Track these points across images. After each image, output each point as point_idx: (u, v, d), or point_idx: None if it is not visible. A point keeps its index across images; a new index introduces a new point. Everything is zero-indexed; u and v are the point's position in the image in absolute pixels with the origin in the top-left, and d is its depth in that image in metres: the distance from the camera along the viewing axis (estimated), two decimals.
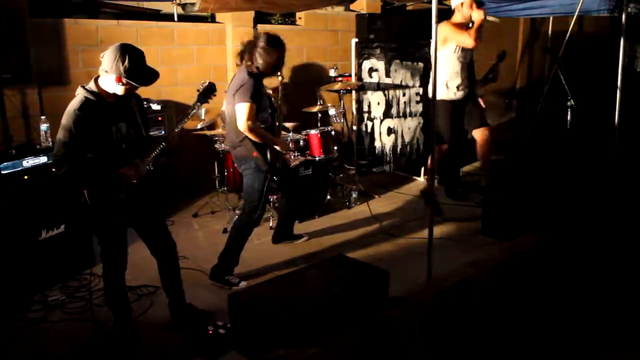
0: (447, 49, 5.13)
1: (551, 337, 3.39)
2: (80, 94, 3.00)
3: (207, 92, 3.38)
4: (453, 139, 5.41)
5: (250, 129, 3.90)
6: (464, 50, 5.23)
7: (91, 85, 3.03)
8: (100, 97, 3.01)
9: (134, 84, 2.96)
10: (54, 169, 2.97)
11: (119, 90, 2.99)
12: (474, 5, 5.05)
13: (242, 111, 3.87)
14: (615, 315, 3.57)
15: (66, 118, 2.94)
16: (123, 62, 2.90)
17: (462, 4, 5.10)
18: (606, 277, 3.86)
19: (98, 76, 3.04)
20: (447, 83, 5.23)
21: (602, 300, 3.68)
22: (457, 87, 5.28)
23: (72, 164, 2.94)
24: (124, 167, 3.05)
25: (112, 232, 3.16)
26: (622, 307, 3.64)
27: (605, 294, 3.73)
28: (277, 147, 4.10)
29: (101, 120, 3.01)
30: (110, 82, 2.97)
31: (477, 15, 4.97)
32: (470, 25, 5.10)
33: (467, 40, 4.98)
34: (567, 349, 3.31)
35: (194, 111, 3.30)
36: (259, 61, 3.90)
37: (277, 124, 4.28)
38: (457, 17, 5.18)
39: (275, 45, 3.93)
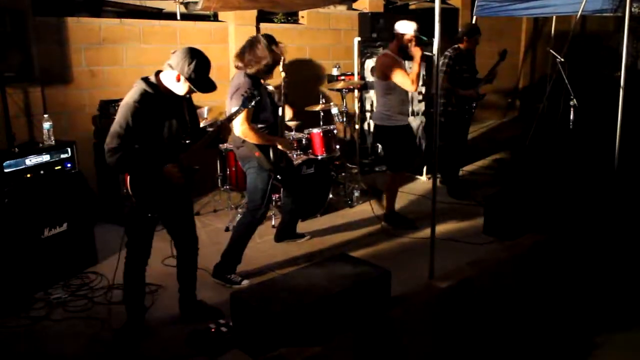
0: (389, 82, 4.83)
1: (551, 336, 3.39)
2: (138, 86, 3.02)
3: (251, 98, 3.49)
4: (409, 164, 5.30)
5: (246, 133, 3.91)
6: None
7: (152, 78, 3.07)
8: (158, 91, 3.05)
9: (193, 87, 3.02)
10: (108, 159, 2.97)
11: (180, 90, 3.05)
12: (413, 42, 4.74)
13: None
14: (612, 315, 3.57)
15: (124, 109, 2.96)
16: (189, 65, 2.97)
17: (403, 35, 4.79)
18: (607, 276, 3.86)
19: (159, 70, 3.09)
20: (391, 112, 4.91)
21: (601, 299, 3.68)
22: (403, 114, 4.96)
23: (124, 154, 2.95)
24: (169, 163, 3.07)
25: (146, 224, 3.20)
26: (621, 308, 3.64)
27: (605, 293, 3.73)
28: (279, 146, 4.10)
29: (157, 114, 3.04)
30: (172, 79, 3.03)
31: (416, 53, 4.73)
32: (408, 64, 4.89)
33: (409, 86, 4.74)
34: (566, 348, 3.31)
35: (238, 114, 3.50)
36: (253, 64, 3.93)
37: (280, 120, 4.27)
38: (394, 46, 4.86)
39: (267, 46, 3.94)
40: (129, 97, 2.99)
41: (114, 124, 2.98)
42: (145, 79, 3.06)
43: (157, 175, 3.06)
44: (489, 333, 3.23)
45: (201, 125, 5.24)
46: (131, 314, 3.35)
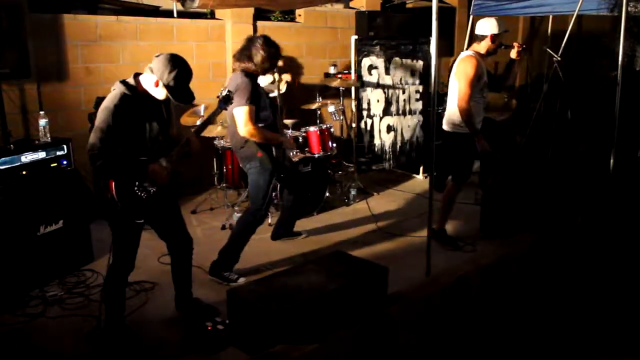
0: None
1: (546, 335, 3.40)
2: (117, 89, 2.99)
3: (227, 100, 3.42)
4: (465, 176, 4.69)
5: (251, 133, 3.88)
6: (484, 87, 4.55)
7: (130, 81, 3.04)
8: (137, 93, 3.02)
9: (172, 99, 3.00)
10: (92, 165, 2.93)
11: (159, 94, 3.02)
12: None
13: (240, 115, 3.85)
14: (610, 317, 3.58)
15: (105, 113, 2.92)
16: (170, 73, 2.93)
17: (494, 35, 4.41)
18: (601, 276, 3.87)
19: (138, 73, 3.06)
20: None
21: (596, 300, 3.69)
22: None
23: (107, 159, 2.91)
24: (153, 164, 3.04)
25: (132, 230, 3.16)
26: (618, 309, 3.65)
27: (600, 294, 3.74)
28: (283, 145, 4.09)
29: (137, 117, 3.01)
30: (150, 84, 2.99)
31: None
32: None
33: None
34: (561, 347, 3.32)
35: (214, 117, 3.39)
36: (254, 59, 3.91)
37: (279, 119, 4.27)
38: (481, 47, 4.47)
39: (268, 44, 3.94)
40: (109, 101, 2.95)
41: (94, 129, 2.93)
42: (124, 82, 3.02)
43: (140, 178, 3.02)
44: (485, 330, 3.24)
45: (198, 122, 5.26)
46: (111, 312, 3.28)
